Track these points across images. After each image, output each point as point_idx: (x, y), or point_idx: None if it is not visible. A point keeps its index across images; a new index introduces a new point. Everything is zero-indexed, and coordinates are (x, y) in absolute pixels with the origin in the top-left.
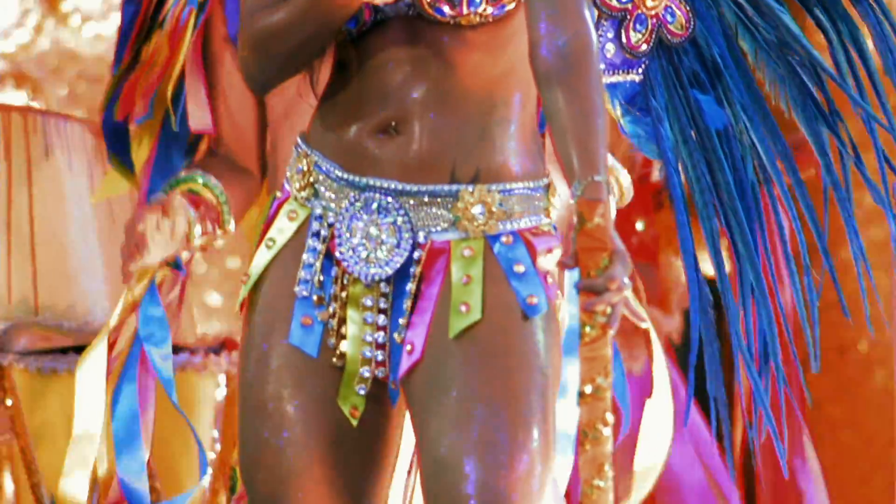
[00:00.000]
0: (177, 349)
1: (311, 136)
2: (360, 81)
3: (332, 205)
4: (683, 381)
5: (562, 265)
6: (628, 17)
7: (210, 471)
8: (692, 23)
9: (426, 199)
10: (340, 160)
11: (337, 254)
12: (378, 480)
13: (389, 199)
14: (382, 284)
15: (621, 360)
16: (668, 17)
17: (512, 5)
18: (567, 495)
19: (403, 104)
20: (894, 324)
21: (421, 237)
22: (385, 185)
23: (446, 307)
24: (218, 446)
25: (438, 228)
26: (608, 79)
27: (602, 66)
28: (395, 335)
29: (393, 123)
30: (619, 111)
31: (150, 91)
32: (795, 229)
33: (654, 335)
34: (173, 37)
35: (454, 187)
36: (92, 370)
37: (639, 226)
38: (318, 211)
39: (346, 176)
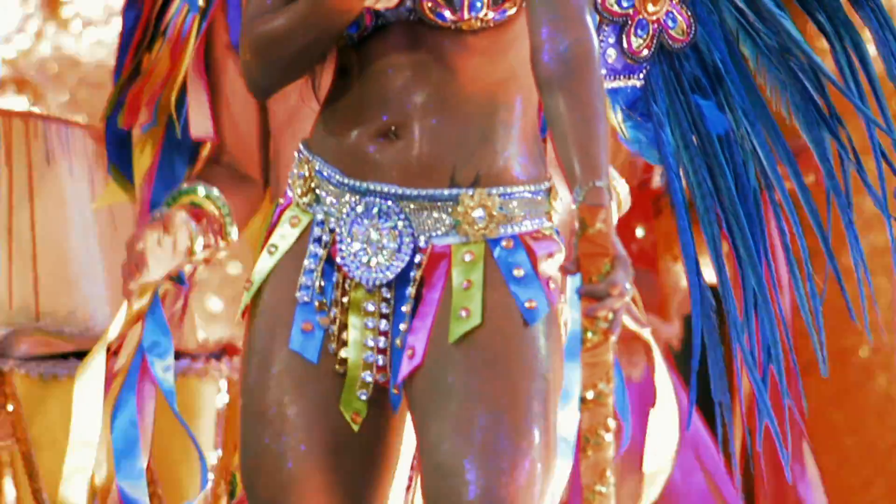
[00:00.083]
0: (178, 355)
1: (313, 142)
2: (360, 86)
3: (334, 210)
4: (684, 387)
5: (564, 270)
6: (629, 22)
7: (212, 477)
8: (693, 28)
9: (427, 204)
10: (341, 165)
11: (338, 259)
12: (378, 486)
13: (390, 203)
14: (384, 289)
15: (620, 367)
16: (670, 23)
17: (513, 10)
18: (569, 501)
19: (404, 109)
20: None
21: (422, 241)
22: (385, 189)
23: (447, 312)
24: (219, 451)
25: (439, 233)
26: (609, 84)
27: (603, 72)
28: (397, 340)
29: (393, 128)
30: (620, 116)
31: (154, 99)
32: (797, 234)
33: (653, 342)
34: (176, 45)
35: (454, 191)
36: (90, 378)
37: (639, 232)
38: (320, 216)
39: (346, 181)
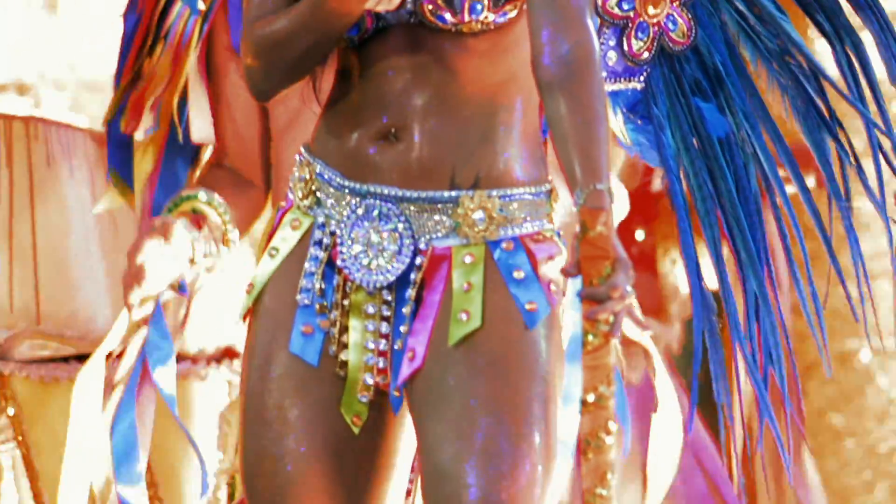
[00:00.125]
0: (179, 358)
1: (314, 145)
2: (361, 89)
3: (334, 212)
4: (685, 391)
5: (565, 273)
6: (630, 25)
7: (213, 480)
8: (694, 31)
9: (427, 206)
10: (342, 167)
11: (339, 261)
12: (379, 489)
13: (390, 205)
14: (385, 292)
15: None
16: (670, 25)
17: (514, 12)
18: None
19: (404, 111)
20: None
21: (422, 244)
22: (386, 191)
23: (448, 314)
24: (220, 454)
25: (439, 235)
26: (610, 87)
27: (604, 74)
28: (397, 342)
29: (393, 130)
30: (620, 119)
31: (157, 104)
32: (797, 237)
33: (652, 347)
34: (178, 48)
35: (454, 193)
36: (89, 383)
37: (638, 235)
38: (321, 219)
39: (347, 183)
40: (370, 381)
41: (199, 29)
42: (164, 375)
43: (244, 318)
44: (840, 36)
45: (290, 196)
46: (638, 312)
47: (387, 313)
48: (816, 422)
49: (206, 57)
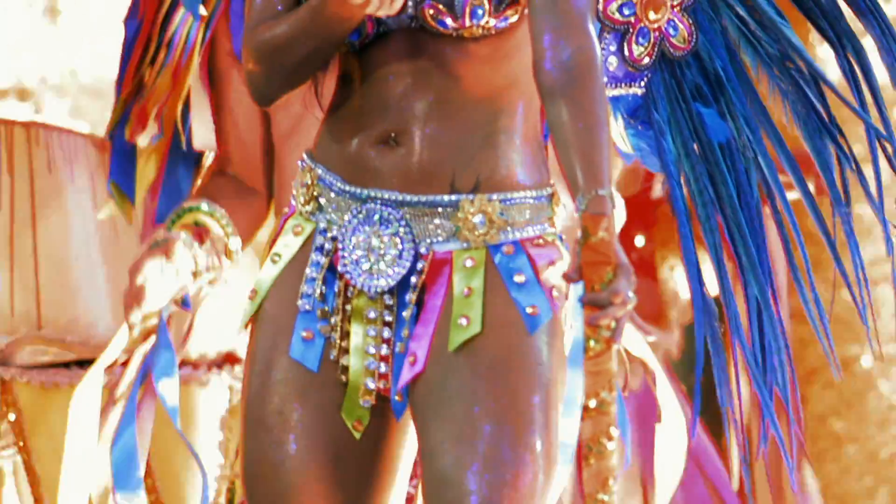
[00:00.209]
0: (180, 363)
1: (316, 150)
2: (362, 94)
3: (335, 217)
4: (686, 397)
5: (566, 278)
6: (631, 30)
7: (214, 486)
8: (695, 36)
9: (427, 210)
10: (342, 172)
11: (340, 266)
12: (380, 494)
13: (390, 210)
14: (386, 296)
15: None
16: (671, 31)
17: (515, 17)
18: None
19: (404, 116)
20: None
21: (423, 248)
22: (386, 196)
23: (449, 319)
24: (221, 460)
25: (440, 239)
26: (610, 92)
27: (605, 80)
28: (399, 346)
29: (393, 135)
30: (621, 124)
31: (161, 111)
32: (798, 243)
33: (652, 360)
34: (181, 56)
35: (454, 197)
36: (87, 391)
37: (638, 241)
38: (322, 224)
39: (347, 188)
40: (371, 386)
41: (201, 35)
42: (168, 388)
43: (246, 326)
44: (841, 41)
45: (293, 202)
46: (638, 319)
47: (388, 318)
48: (817, 427)
49: (208, 63)
